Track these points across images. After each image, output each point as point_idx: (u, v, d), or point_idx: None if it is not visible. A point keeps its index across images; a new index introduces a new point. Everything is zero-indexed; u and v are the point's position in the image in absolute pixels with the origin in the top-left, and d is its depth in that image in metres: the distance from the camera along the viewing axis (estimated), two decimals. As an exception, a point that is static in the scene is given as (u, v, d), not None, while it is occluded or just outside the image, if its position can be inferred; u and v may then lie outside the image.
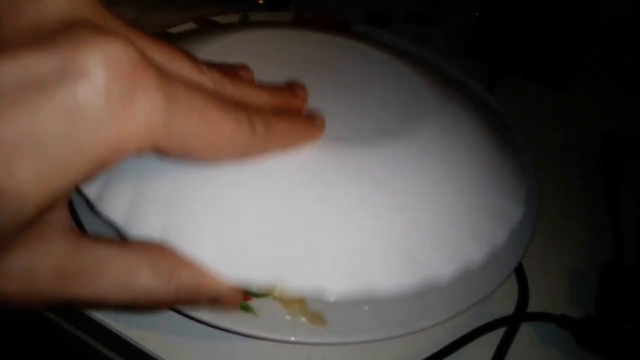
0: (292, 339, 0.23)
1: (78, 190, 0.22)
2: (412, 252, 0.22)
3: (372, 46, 0.33)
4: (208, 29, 0.37)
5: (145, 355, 0.26)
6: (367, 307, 0.24)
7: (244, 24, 0.39)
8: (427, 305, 0.24)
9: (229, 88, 0.20)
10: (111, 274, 0.18)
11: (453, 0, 0.57)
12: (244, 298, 0.23)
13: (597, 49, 0.53)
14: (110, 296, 0.18)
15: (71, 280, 0.17)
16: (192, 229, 0.20)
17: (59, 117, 0.14)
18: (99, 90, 0.14)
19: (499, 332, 0.29)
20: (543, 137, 0.43)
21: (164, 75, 0.16)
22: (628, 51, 0.51)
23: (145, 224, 0.21)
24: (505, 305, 0.30)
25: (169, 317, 0.25)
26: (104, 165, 0.15)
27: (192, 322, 0.24)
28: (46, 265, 0.16)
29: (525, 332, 0.29)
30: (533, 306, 0.30)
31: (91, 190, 0.22)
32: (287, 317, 0.24)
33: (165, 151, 0.17)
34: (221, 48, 0.29)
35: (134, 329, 0.27)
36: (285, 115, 0.22)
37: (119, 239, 0.20)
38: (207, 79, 0.20)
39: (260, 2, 0.49)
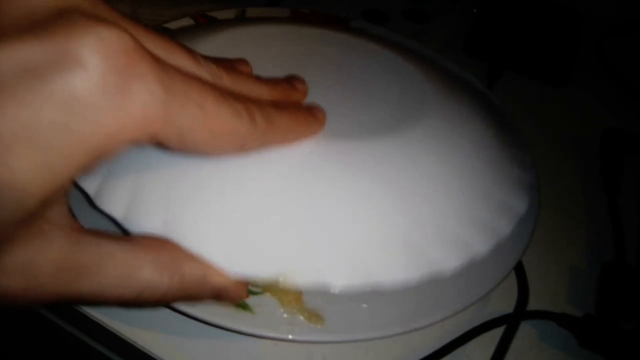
0: (290, 337, 0.23)
1: (76, 186, 0.22)
2: (417, 244, 0.22)
3: (371, 41, 0.33)
4: (205, 24, 0.37)
5: (143, 354, 0.26)
6: (365, 305, 0.24)
7: (241, 20, 0.39)
8: (426, 304, 0.24)
9: (227, 80, 0.20)
10: (113, 269, 0.17)
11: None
12: None
13: (596, 47, 0.53)
14: (112, 292, 0.18)
15: (72, 276, 0.17)
16: (194, 223, 0.20)
17: (55, 107, 0.13)
18: (95, 79, 0.14)
19: (499, 331, 0.28)
20: (542, 136, 0.42)
21: (160, 64, 0.16)
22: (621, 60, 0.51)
23: (146, 218, 0.20)
24: (505, 304, 0.30)
25: (167, 316, 0.25)
26: (102, 156, 0.15)
27: (190, 320, 0.23)
28: (47, 261, 0.16)
29: (526, 331, 0.29)
30: (533, 305, 0.30)
31: (90, 186, 0.22)
32: (285, 316, 0.23)
33: (164, 142, 0.17)
34: (218, 43, 0.29)
35: (131, 328, 0.26)
36: (285, 108, 0.22)
37: (120, 234, 0.19)
38: (204, 71, 0.19)
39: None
